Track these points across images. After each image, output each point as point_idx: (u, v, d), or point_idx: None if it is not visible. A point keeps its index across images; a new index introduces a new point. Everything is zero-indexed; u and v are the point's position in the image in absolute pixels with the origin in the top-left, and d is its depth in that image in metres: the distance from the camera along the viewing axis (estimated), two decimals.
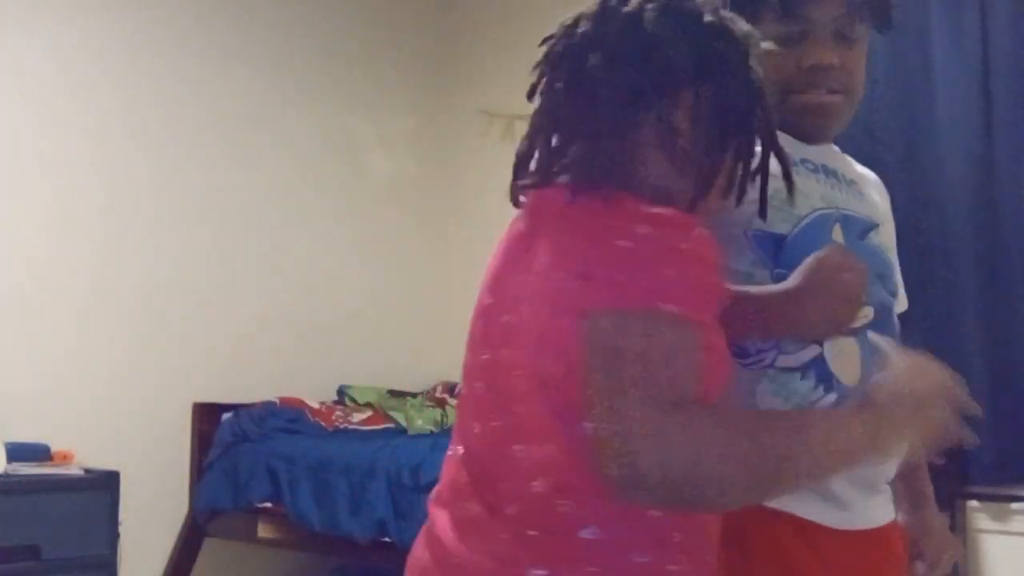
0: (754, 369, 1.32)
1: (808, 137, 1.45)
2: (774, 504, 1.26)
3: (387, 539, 3.15)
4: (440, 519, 1.21)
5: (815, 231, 1.36)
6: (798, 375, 1.32)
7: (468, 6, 4.80)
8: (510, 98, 4.54)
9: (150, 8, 3.93)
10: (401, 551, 3.16)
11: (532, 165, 1.23)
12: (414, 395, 4.28)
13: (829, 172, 1.44)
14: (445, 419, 4.03)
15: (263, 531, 3.61)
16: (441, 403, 4.18)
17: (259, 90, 4.22)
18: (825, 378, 1.32)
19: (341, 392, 4.20)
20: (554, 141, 1.20)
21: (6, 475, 3.17)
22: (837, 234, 1.38)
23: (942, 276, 3.29)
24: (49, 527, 3.16)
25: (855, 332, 1.33)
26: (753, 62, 1.20)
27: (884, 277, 1.43)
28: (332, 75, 4.45)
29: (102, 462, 3.47)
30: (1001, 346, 3.19)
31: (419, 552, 1.24)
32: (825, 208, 1.39)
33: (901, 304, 1.57)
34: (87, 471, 3.38)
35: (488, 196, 5.15)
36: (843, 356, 1.33)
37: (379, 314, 4.44)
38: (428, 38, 4.79)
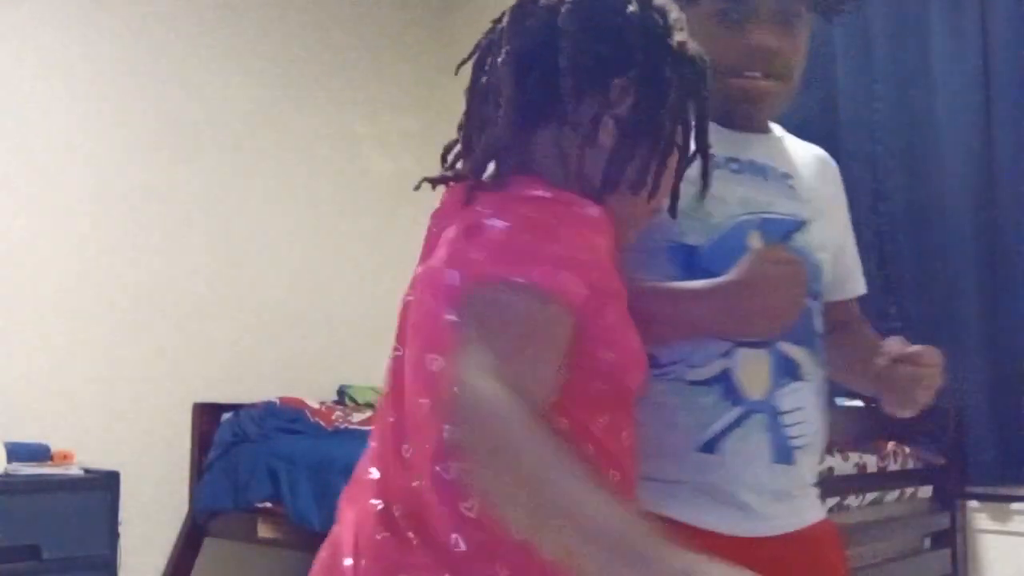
0: (663, 381, 1.31)
1: (742, 124, 1.42)
2: (671, 514, 1.25)
3: None
4: (345, 517, 1.22)
5: (730, 242, 1.33)
6: (704, 388, 1.31)
7: (468, 6, 4.80)
8: None
9: (150, 8, 3.94)
10: None
11: (448, 160, 1.27)
12: None
13: (757, 169, 1.41)
14: None
15: (263, 531, 3.61)
16: None
17: (259, 90, 4.23)
18: (731, 392, 1.31)
19: (341, 392, 4.19)
20: (462, 138, 1.24)
21: (6, 475, 3.17)
22: (755, 240, 1.35)
23: (942, 276, 3.29)
24: (49, 527, 3.16)
25: (767, 343, 1.32)
26: (680, 52, 1.18)
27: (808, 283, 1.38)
28: (332, 75, 4.45)
29: (102, 462, 3.47)
30: (1001, 346, 3.20)
31: (321, 554, 1.23)
32: (743, 215, 1.36)
33: (857, 287, 1.58)
34: (87, 471, 3.38)
35: None
36: (751, 369, 1.32)
37: (379, 314, 4.43)
38: (428, 38, 4.79)
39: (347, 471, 3.69)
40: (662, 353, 1.31)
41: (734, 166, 1.39)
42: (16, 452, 3.26)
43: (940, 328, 3.26)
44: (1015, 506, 3.19)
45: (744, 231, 1.35)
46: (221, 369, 3.99)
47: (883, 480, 3.02)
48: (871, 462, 2.95)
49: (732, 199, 1.36)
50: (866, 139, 3.51)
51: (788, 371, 1.35)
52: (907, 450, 3.14)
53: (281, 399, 3.85)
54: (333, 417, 3.89)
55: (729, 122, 1.40)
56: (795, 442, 1.35)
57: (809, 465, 1.41)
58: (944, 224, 3.32)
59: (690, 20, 1.30)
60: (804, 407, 1.36)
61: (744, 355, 1.32)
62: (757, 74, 1.37)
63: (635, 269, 1.26)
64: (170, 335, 3.88)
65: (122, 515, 3.35)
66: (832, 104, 3.56)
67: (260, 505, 3.57)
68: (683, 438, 1.31)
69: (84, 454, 3.47)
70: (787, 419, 1.34)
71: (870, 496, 2.95)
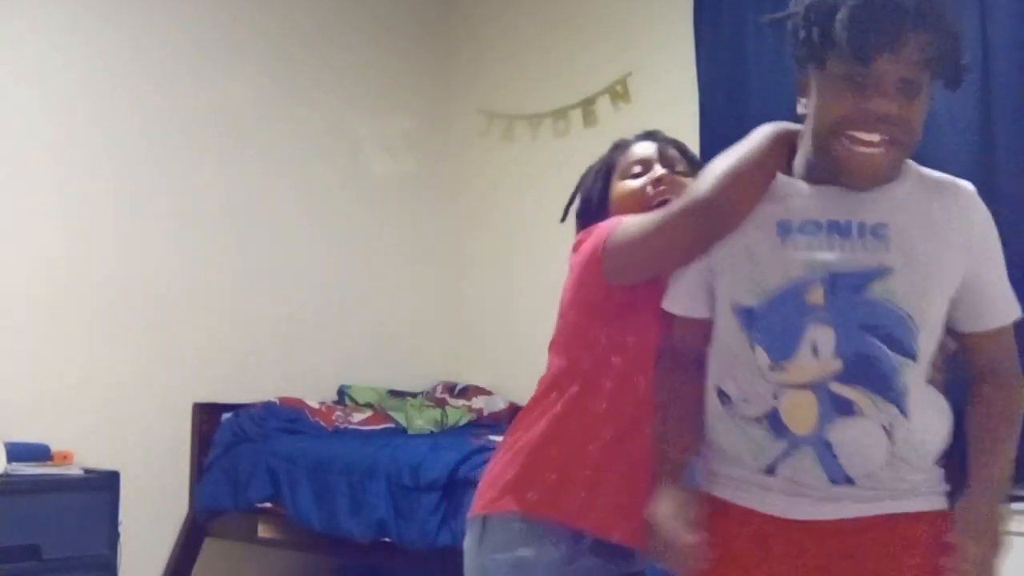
0: (729, 414, 1.55)
1: (854, 185, 1.50)
2: (723, 495, 1.56)
3: (387, 539, 3.15)
4: None
5: (784, 301, 1.49)
6: (756, 424, 1.52)
7: (469, 7, 4.80)
8: (510, 98, 4.57)
9: (150, 9, 3.94)
10: (401, 551, 3.18)
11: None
12: (414, 395, 4.28)
13: (839, 228, 1.50)
14: (445, 419, 4.03)
15: (263, 531, 3.61)
16: (441, 403, 4.18)
17: (259, 91, 4.22)
18: (777, 427, 1.50)
19: (341, 392, 4.19)
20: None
21: (6, 475, 3.17)
22: (815, 295, 1.48)
23: None
24: (49, 527, 3.16)
25: (813, 384, 1.48)
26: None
27: (876, 328, 1.47)
28: (332, 75, 4.45)
29: (102, 462, 3.47)
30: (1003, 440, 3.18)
31: None
32: (802, 277, 1.48)
33: (995, 319, 1.59)
34: (87, 471, 3.38)
35: (488, 196, 5.17)
36: (797, 409, 1.49)
37: (379, 314, 4.44)
38: (428, 38, 4.79)
39: (347, 471, 3.69)
40: (729, 389, 1.55)
41: (810, 228, 1.51)
42: (16, 452, 3.27)
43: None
44: (1015, 506, 3.18)
45: (800, 290, 1.49)
46: (221, 369, 3.99)
47: None
48: None
49: (794, 262, 1.49)
50: None
51: (839, 408, 1.47)
52: None
53: (281, 399, 3.85)
54: (333, 417, 3.89)
55: (847, 183, 1.50)
56: (851, 472, 1.48)
57: (892, 480, 1.52)
58: None
59: (818, 83, 1.47)
60: (859, 440, 1.47)
61: (789, 395, 1.49)
62: (873, 138, 1.44)
63: (719, 317, 1.57)
64: (170, 335, 3.89)
65: (122, 515, 3.35)
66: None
67: (260, 505, 3.57)
68: (748, 461, 1.54)
69: (84, 454, 3.48)
70: (839, 450, 1.47)
71: None
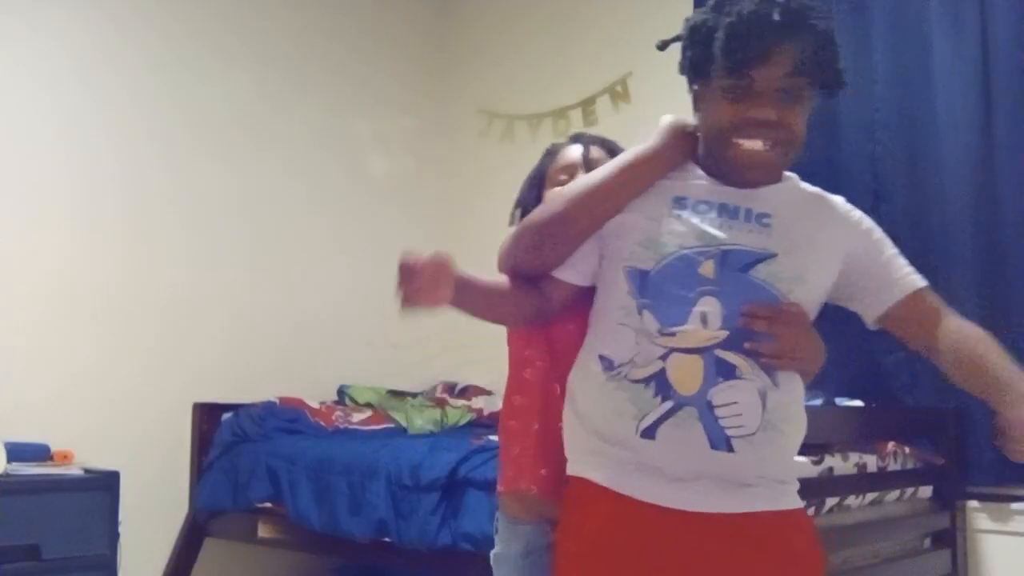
0: (616, 379, 1.61)
1: (743, 185, 1.64)
2: (613, 486, 1.59)
3: (387, 539, 3.14)
4: None
5: (677, 267, 1.60)
6: (643, 385, 1.58)
7: (468, 7, 4.80)
8: (510, 98, 4.57)
9: (150, 9, 3.93)
10: (401, 551, 3.18)
11: None
12: (414, 395, 4.28)
13: (728, 210, 1.63)
14: (445, 419, 4.03)
15: (263, 531, 3.61)
16: (441, 403, 4.18)
17: (258, 91, 4.23)
18: (664, 388, 1.57)
19: (341, 392, 4.19)
20: None
21: (6, 475, 3.17)
22: (707, 269, 1.59)
23: (942, 275, 3.29)
24: (49, 527, 3.16)
25: (701, 349, 1.57)
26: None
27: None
28: (332, 75, 4.45)
29: (102, 462, 3.47)
30: (1001, 346, 3.19)
31: None
32: (696, 246, 1.60)
33: (905, 286, 1.70)
34: (87, 471, 3.38)
35: (488, 195, 5.17)
36: (683, 370, 1.56)
37: (379, 314, 4.44)
38: (428, 38, 4.79)
39: (347, 471, 3.69)
40: (614, 353, 1.62)
41: (702, 207, 1.63)
42: (16, 452, 3.27)
43: None
44: (1015, 506, 3.19)
45: (695, 260, 1.59)
46: (221, 369, 3.99)
47: (883, 480, 3.02)
48: (871, 462, 2.95)
49: (689, 233, 1.61)
50: (866, 139, 3.51)
51: (723, 372, 1.56)
52: (907, 450, 3.14)
53: (281, 399, 3.85)
54: (333, 417, 3.89)
55: (730, 182, 1.64)
56: (731, 432, 1.55)
57: (763, 456, 1.58)
58: (944, 224, 3.32)
59: (703, 94, 1.64)
60: (739, 402, 1.56)
61: (677, 358, 1.57)
62: (757, 144, 1.58)
63: (606, 284, 1.68)
64: (170, 335, 3.89)
65: (122, 515, 3.35)
66: (832, 104, 3.55)
67: (260, 505, 3.57)
68: (629, 424, 1.58)
69: (84, 454, 3.47)
70: (721, 412, 1.55)
71: (870, 496, 2.95)
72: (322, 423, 3.83)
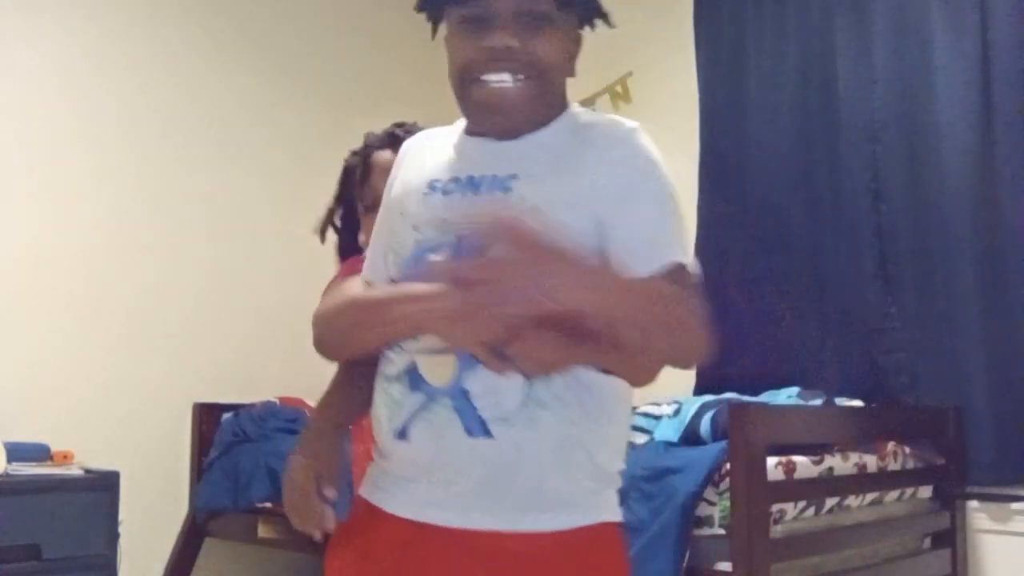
0: (379, 383, 1.46)
1: (498, 134, 1.44)
2: (374, 501, 1.47)
3: None
4: None
5: (416, 266, 1.40)
6: (395, 381, 1.42)
7: None
8: None
9: (150, 9, 3.94)
10: None
11: None
12: None
13: (473, 184, 1.42)
14: None
15: (263, 531, 3.61)
16: None
17: (258, 91, 4.23)
18: (415, 382, 1.39)
19: None
20: None
21: (6, 475, 3.17)
22: (443, 255, 1.40)
23: (942, 276, 3.29)
24: (49, 527, 3.16)
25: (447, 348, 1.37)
26: None
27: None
28: (332, 75, 4.45)
29: (102, 462, 3.47)
30: (1001, 346, 3.19)
31: None
32: (434, 238, 1.41)
33: (657, 259, 1.37)
34: (87, 471, 3.38)
35: None
36: (436, 365, 1.38)
37: None
38: (428, 38, 4.78)
39: (347, 471, 3.69)
40: (383, 360, 1.45)
41: (450, 186, 1.44)
42: (16, 452, 3.27)
43: (940, 328, 3.26)
44: (1015, 506, 3.18)
45: (431, 253, 1.40)
46: (221, 369, 3.99)
47: (883, 480, 3.02)
48: (871, 462, 2.95)
49: (428, 226, 1.42)
50: (866, 139, 3.51)
51: (474, 363, 1.33)
52: (907, 450, 3.14)
53: (281, 399, 3.85)
54: None
55: (488, 135, 1.44)
56: (487, 414, 1.33)
57: (531, 442, 1.34)
58: (944, 224, 3.32)
59: (447, 35, 1.45)
60: (497, 382, 1.31)
61: (428, 354, 1.39)
62: (502, 76, 1.39)
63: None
64: (170, 335, 3.89)
65: (122, 515, 3.35)
66: (832, 104, 3.56)
67: (260, 505, 3.57)
68: (385, 427, 1.43)
69: (84, 454, 3.47)
70: (479, 399, 1.34)
71: (870, 496, 2.95)
72: None
